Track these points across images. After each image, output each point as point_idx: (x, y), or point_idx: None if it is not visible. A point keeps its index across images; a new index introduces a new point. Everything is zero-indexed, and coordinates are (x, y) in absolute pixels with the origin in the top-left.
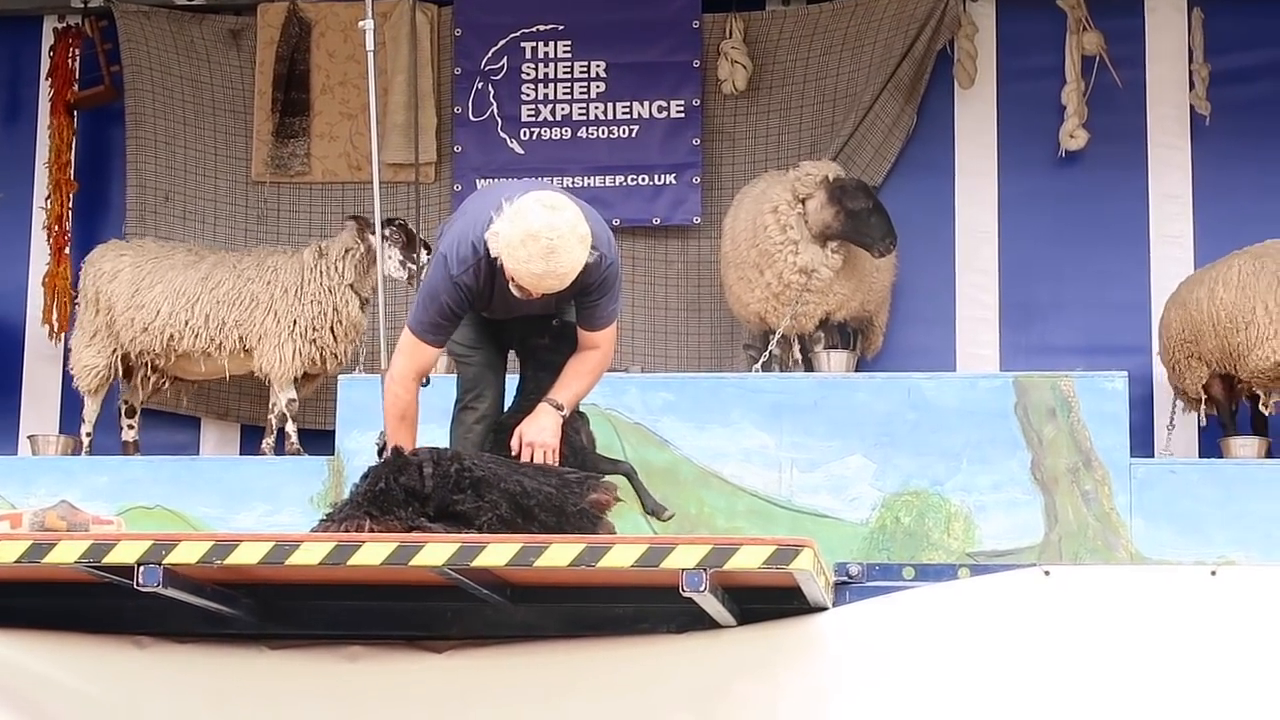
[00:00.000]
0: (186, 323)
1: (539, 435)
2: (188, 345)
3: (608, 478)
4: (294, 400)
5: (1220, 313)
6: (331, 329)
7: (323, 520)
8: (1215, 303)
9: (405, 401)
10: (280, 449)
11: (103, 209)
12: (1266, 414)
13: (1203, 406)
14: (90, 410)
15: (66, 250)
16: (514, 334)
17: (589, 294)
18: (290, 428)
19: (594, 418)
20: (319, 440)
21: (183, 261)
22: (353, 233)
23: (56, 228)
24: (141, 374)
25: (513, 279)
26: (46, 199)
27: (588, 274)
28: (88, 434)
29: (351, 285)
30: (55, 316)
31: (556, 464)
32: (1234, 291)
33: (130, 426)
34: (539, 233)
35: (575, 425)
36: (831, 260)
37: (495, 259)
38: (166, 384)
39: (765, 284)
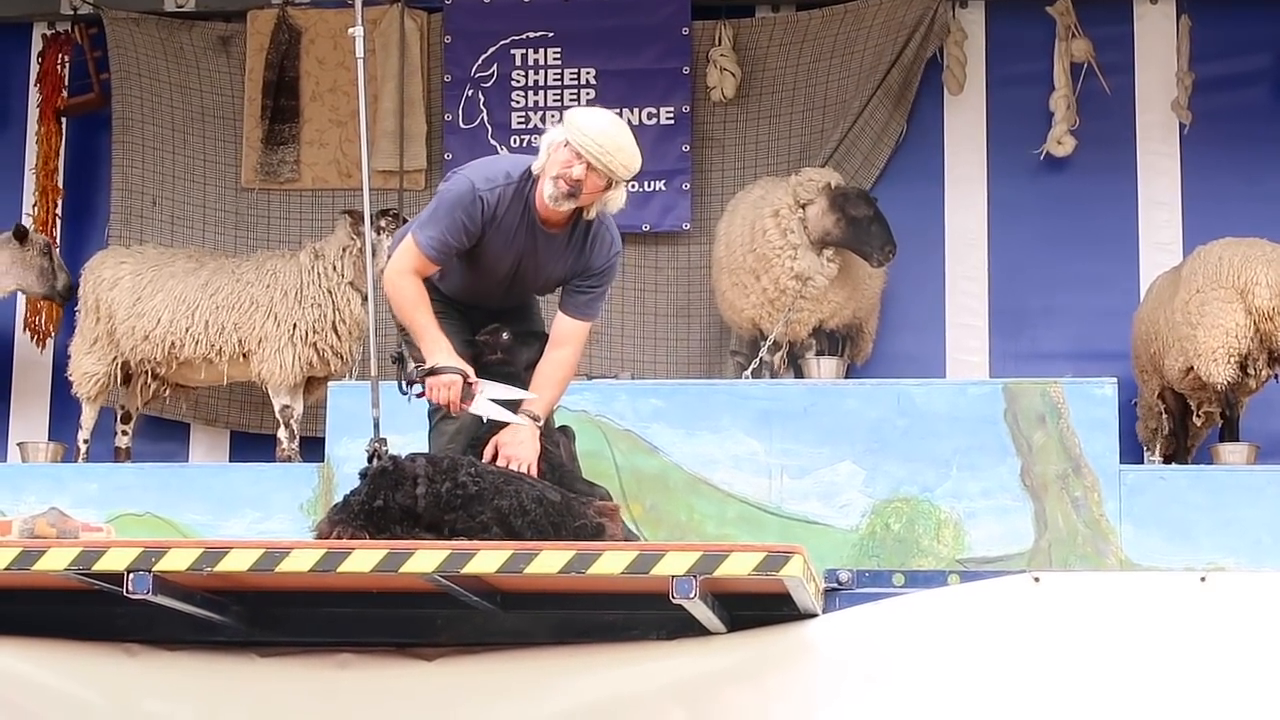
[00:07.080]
0: (187, 329)
1: (518, 450)
2: (189, 352)
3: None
4: (288, 406)
5: (1142, 326)
6: (334, 328)
7: (320, 522)
8: (1141, 317)
9: (414, 290)
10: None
11: (90, 216)
12: (1199, 425)
13: (1164, 418)
14: (88, 417)
15: None
16: (469, 351)
17: (589, 276)
18: (282, 434)
19: (584, 425)
20: (310, 447)
21: (183, 268)
22: (347, 229)
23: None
24: (142, 381)
25: (582, 153)
26: (33, 205)
27: (601, 247)
28: (85, 440)
29: (352, 283)
30: (41, 323)
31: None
32: (1150, 305)
33: (125, 433)
34: (617, 120)
35: (554, 439)
36: (827, 268)
37: (533, 177)
38: (167, 391)
39: (761, 289)
